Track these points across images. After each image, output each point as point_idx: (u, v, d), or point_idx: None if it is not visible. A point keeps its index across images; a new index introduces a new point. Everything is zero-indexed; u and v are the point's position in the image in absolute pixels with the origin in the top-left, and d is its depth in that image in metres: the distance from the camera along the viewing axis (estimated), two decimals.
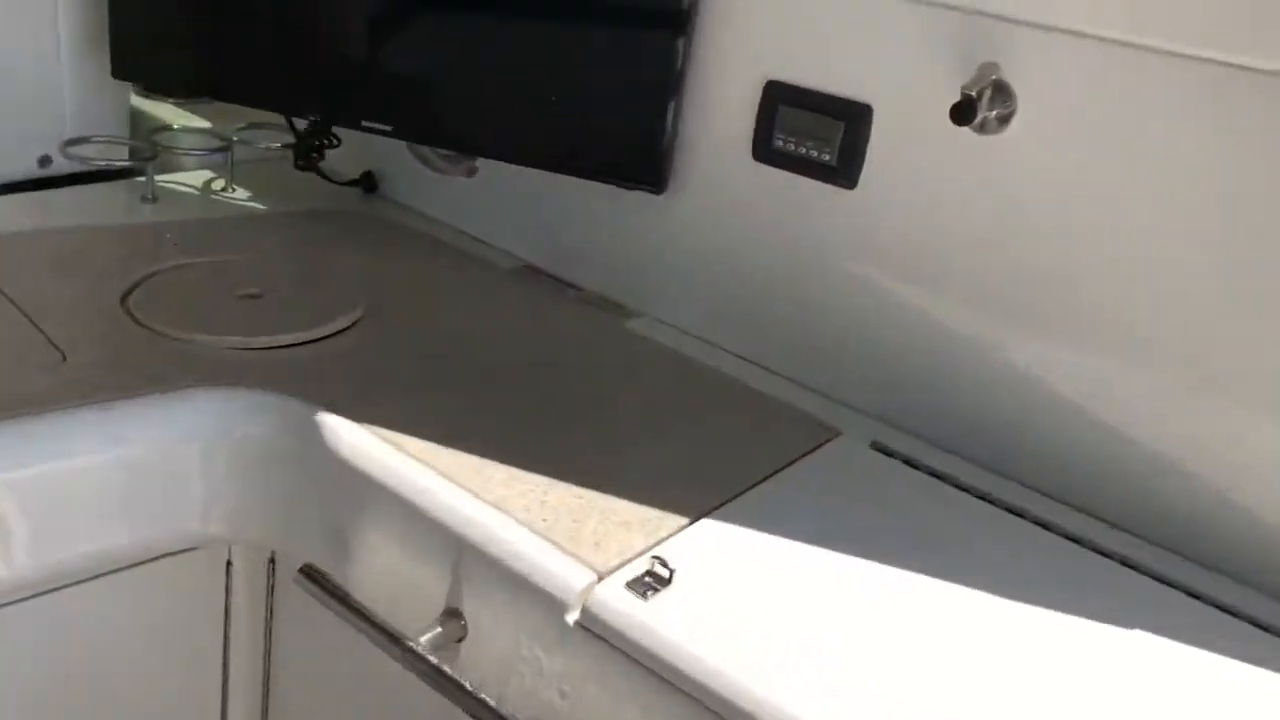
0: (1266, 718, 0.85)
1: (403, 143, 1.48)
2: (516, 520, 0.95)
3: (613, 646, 0.86)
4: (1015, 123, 1.06)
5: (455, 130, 1.37)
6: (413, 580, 0.99)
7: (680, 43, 1.24)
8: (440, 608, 0.97)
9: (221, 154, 1.56)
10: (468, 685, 0.91)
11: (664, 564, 0.90)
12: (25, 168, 1.48)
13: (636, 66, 1.27)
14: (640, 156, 1.30)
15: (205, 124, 1.66)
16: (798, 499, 1.04)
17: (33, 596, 1.05)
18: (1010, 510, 1.06)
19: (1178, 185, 0.99)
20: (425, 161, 1.50)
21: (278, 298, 1.25)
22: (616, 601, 0.88)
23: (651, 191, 1.31)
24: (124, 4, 1.39)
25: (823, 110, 1.18)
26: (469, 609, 0.96)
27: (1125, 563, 1.00)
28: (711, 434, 1.12)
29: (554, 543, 0.93)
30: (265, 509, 1.10)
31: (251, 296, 1.25)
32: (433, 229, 1.55)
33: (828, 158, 1.18)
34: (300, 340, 1.17)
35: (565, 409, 1.13)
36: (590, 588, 0.89)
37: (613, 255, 1.41)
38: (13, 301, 1.17)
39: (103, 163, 1.47)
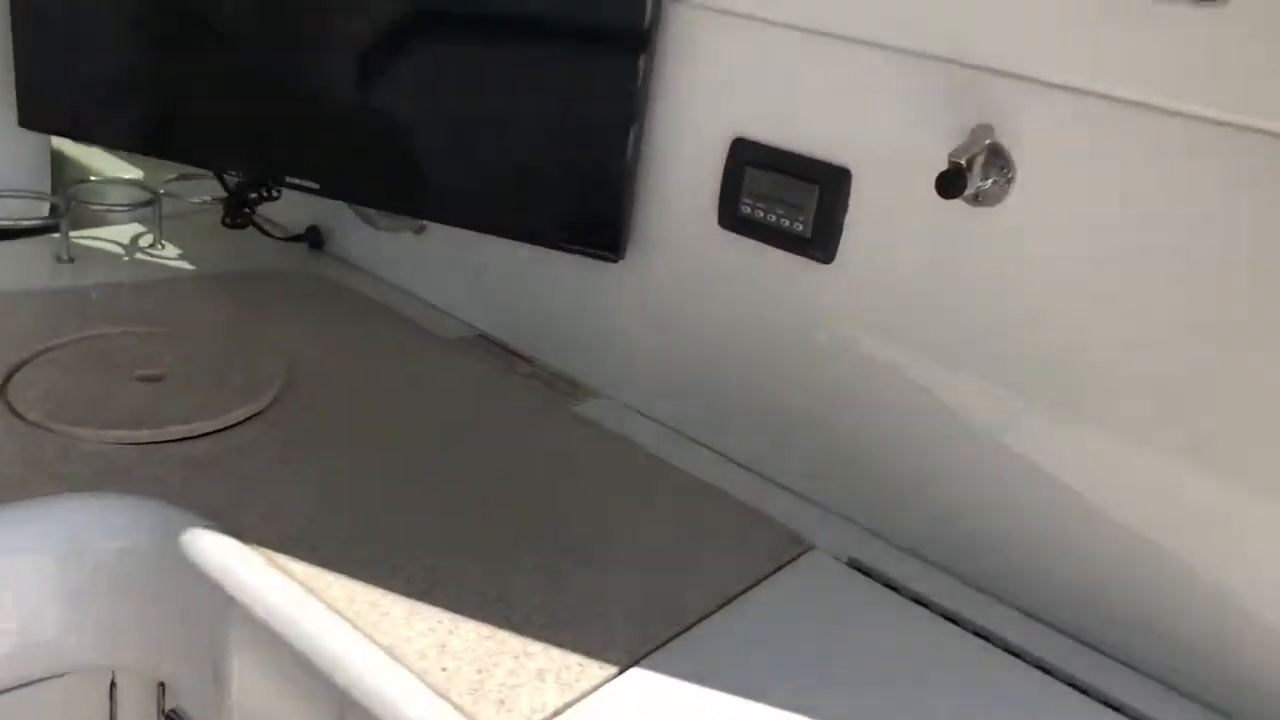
0: None
1: None
2: (410, 671, 0.79)
3: None
4: (1015, 192, 0.91)
5: (390, 189, 1.22)
6: None
7: (638, 93, 1.09)
8: None
9: (149, 207, 1.42)
10: None
11: None
12: None
13: (589, 119, 1.12)
14: (594, 221, 1.15)
15: (137, 173, 1.53)
16: (753, 638, 0.88)
17: None
18: (1012, 652, 0.90)
19: (1195, 258, 0.82)
20: (367, 219, 1.36)
21: (182, 379, 1.11)
22: None
23: (607, 259, 1.16)
24: (30, 48, 1.26)
25: (795, 173, 1.02)
26: None
27: None
28: (661, 548, 0.97)
29: (451, 702, 0.77)
30: (137, 634, 0.95)
31: (151, 379, 1.10)
32: (379, 291, 1.41)
33: (800, 228, 1.03)
34: (195, 433, 1.03)
35: (493, 517, 0.98)
36: None
37: (568, 326, 1.26)
38: None
39: (7, 221, 1.33)
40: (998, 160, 0.90)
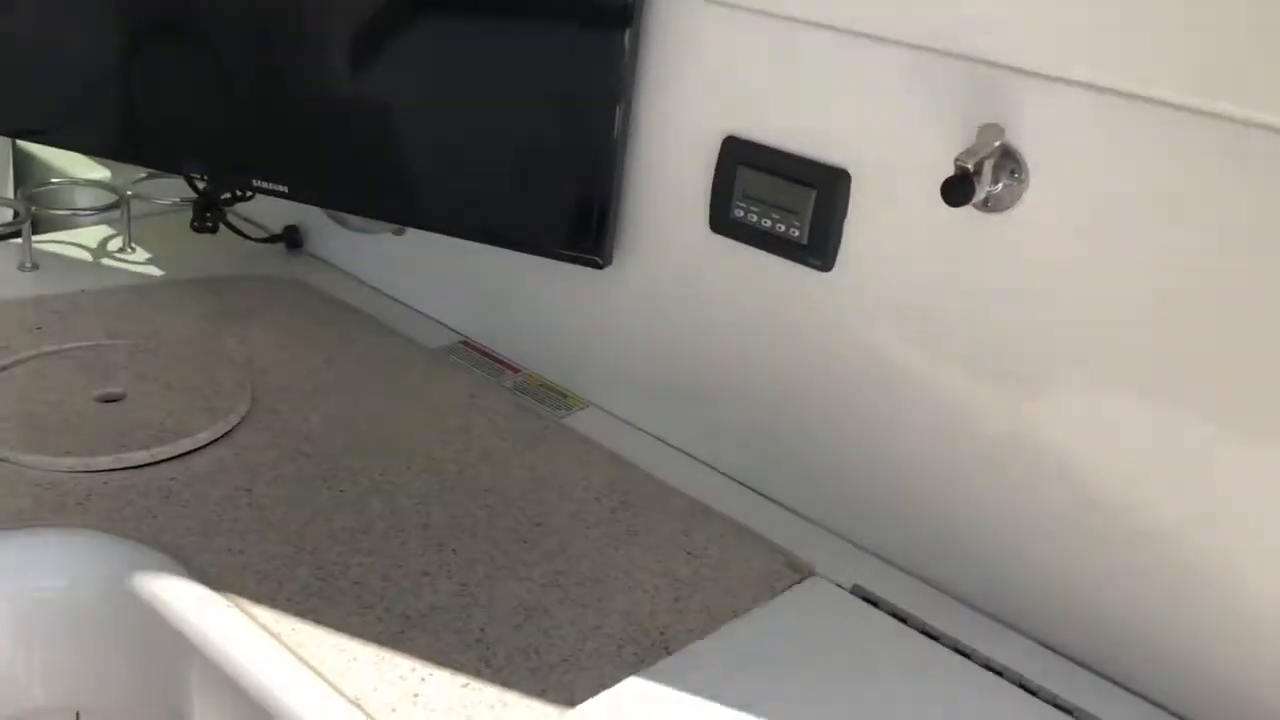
0: None
1: None
2: None
3: None
4: (1027, 196, 0.84)
5: (363, 194, 1.15)
6: None
7: (623, 73, 1.03)
8: None
9: (117, 210, 1.35)
10: None
11: None
12: None
13: (571, 110, 1.05)
14: (577, 226, 1.08)
15: (104, 173, 1.46)
16: (745, 666, 0.82)
17: None
18: (1030, 691, 0.84)
19: (1226, 263, 0.76)
20: (340, 221, 1.30)
21: (144, 399, 1.05)
22: None
23: (594, 266, 1.09)
24: None
25: (790, 175, 0.96)
26: None
27: None
28: (654, 577, 0.91)
29: None
30: (94, 675, 0.89)
31: (111, 399, 1.04)
32: (359, 296, 1.34)
33: (796, 233, 0.96)
34: (156, 459, 0.97)
35: (475, 547, 0.92)
36: None
37: (556, 333, 1.20)
38: None
39: None
40: (1009, 162, 0.83)
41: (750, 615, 0.88)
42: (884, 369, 0.94)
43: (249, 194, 1.35)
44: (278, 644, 0.79)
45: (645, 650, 0.83)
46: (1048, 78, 0.80)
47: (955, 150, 0.84)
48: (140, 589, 0.84)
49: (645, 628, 0.85)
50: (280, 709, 0.75)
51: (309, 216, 1.42)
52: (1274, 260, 0.74)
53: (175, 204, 1.39)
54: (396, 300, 1.35)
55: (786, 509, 1.03)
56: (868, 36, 0.89)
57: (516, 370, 1.23)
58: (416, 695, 0.76)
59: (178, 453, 0.98)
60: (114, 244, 1.38)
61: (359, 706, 0.75)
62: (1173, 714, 0.83)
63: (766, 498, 1.04)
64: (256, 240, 1.42)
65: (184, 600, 0.83)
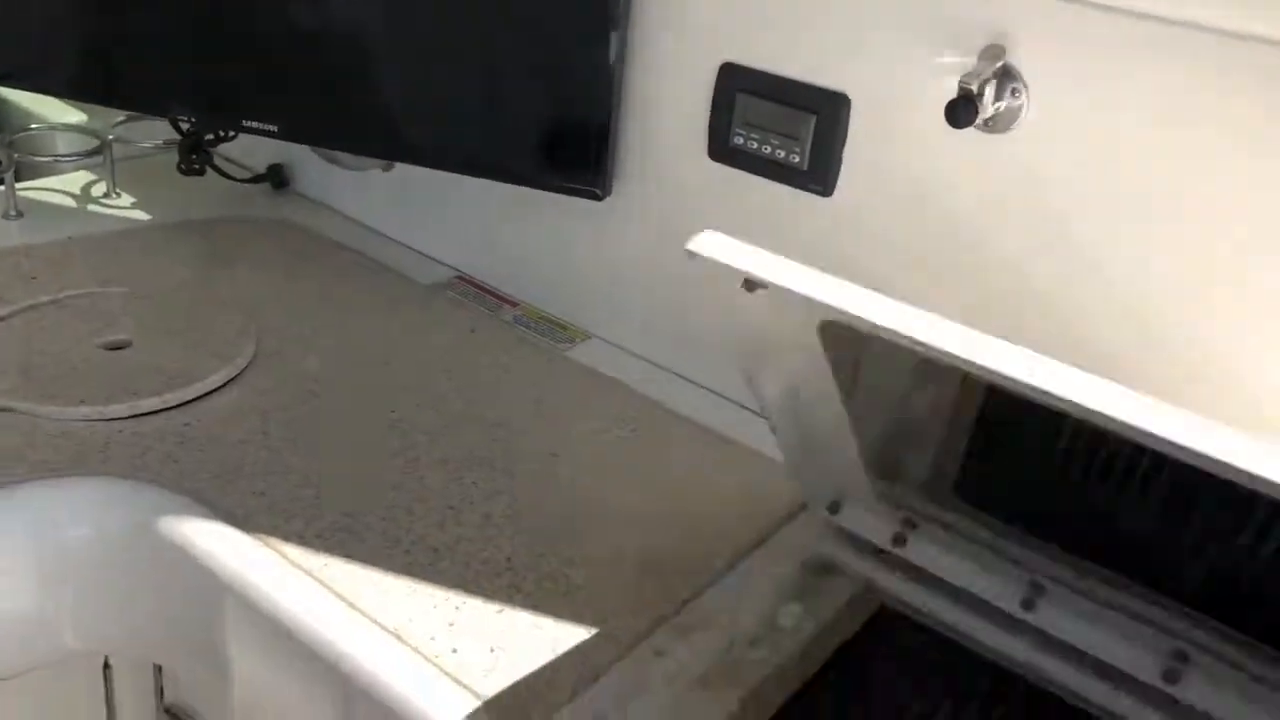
0: None
1: None
2: (420, 655, 0.76)
3: None
4: (1028, 116, 0.85)
5: (354, 131, 1.15)
6: (301, 716, 0.81)
7: (618, 15, 1.02)
8: None
9: (100, 154, 1.33)
10: None
11: None
12: None
13: (567, 45, 1.05)
14: (575, 157, 1.08)
15: (81, 117, 1.44)
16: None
17: None
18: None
19: (1227, 181, 0.78)
20: (329, 158, 1.29)
21: (149, 345, 1.05)
22: None
23: (591, 198, 1.10)
24: None
25: (789, 101, 0.97)
26: None
27: None
28: (671, 502, 0.93)
29: (464, 686, 0.74)
30: (126, 620, 0.91)
31: (117, 346, 1.04)
32: (349, 234, 1.34)
33: (797, 159, 0.97)
34: (170, 404, 0.98)
35: (490, 479, 0.94)
36: None
37: (555, 266, 1.20)
38: None
39: None
40: (1010, 82, 0.85)
41: (769, 540, 0.91)
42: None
43: (233, 134, 1.34)
44: (312, 580, 0.81)
45: (667, 575, 0.85)
46: None
47: (954, 72, 0.85)
48: (170, 533, 0.85)
49: (666, 552, 0.88)
50: (321, 643, 0.77)
51: (294, 155, 1.41)
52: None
53: (158, 146, 1.37)
54: (388, 237, 1.35)
55: None
56: None
57: (515, 304, 1.23)
58: (452, 624, 0.79)
59: (190, 398, 0.98)
60: (98, 189, 1.36)
61: (399, 637, 0.77)
62: None
63: None
64: (242, 181, 1.41)
65: (214, 542, 0.84)
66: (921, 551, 0.88)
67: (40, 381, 0.98)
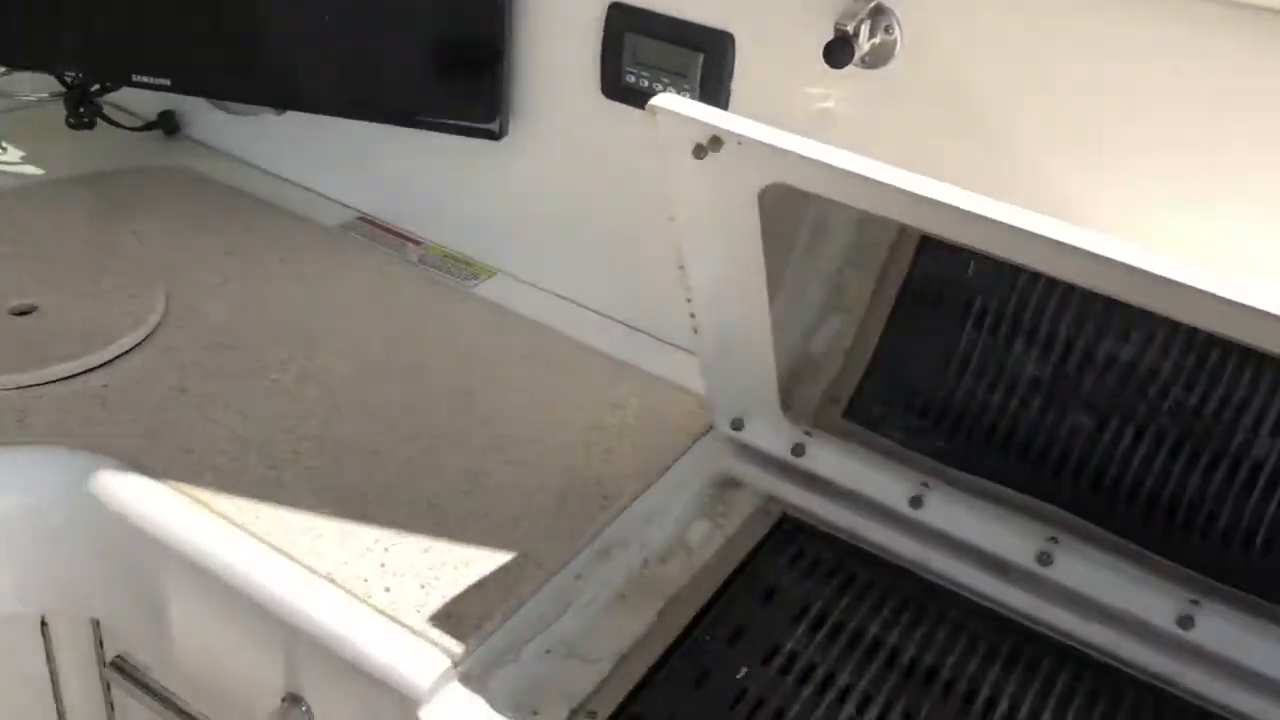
0: None
1: None
2: (355, 597, 0.81)
3: None
4: (903, 49, 0.90)
5: (246, 80, 1.15)
6: (243, 666, 0.85)
7: None
8: (280, 693, 0.84)
9: None
10: None
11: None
12: None
13: None
14: (471, 98, 1.11)
15: None
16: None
17: None
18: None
19: (1095, 104, 0.85)
20: (220, 105, 1.28)
21: (58, 307, 1.05)
22: (470, 697, 0.75)
23: (488, 138, 1.12)
24: None
25: (677, 39, 1.00)
26: (311, 695, 0.82)
27: None
28: (582, 431, 0.98)
29: (400, 622, 0.79)
30: (65, 583, 0.94)
31: (23, 312, 1.05)
32: (248, 180, 1.34)
33: (687, 93, 1.01)
34: (86, 368, 0.99)
35: (410, 421, 0.98)
36: (446, 677, 0.76)
37: (457, 204, 1.23)
38: None
39: None
40: (883, 19, 0.89)
41: (679, 461, 0.97)
42: None
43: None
44: (245, 533, 0.85)
45: (584, 501, 0.91)
46: None
47: (830, 10, 0.89)
48: (99, 495, 0.88)
49: (583, 480, 0.93)
50: (258, 593, 0.81)
51: (185, 100, 1.39)
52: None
53: (42, 99, 1.35)
54: (287, 180, 1.35)
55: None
56: None
57: (419, 243, 1.26)
58: (383, 565, 0.83)
59: (106, 359, 1.00)
60: None
61: (333, 581, 0.81)
62: None
63: (679, 348, 1.11)
64: (133, 130, 1.39)
65: (147, 502, 0.87)
66: (818, 461, 0.95)
67: None
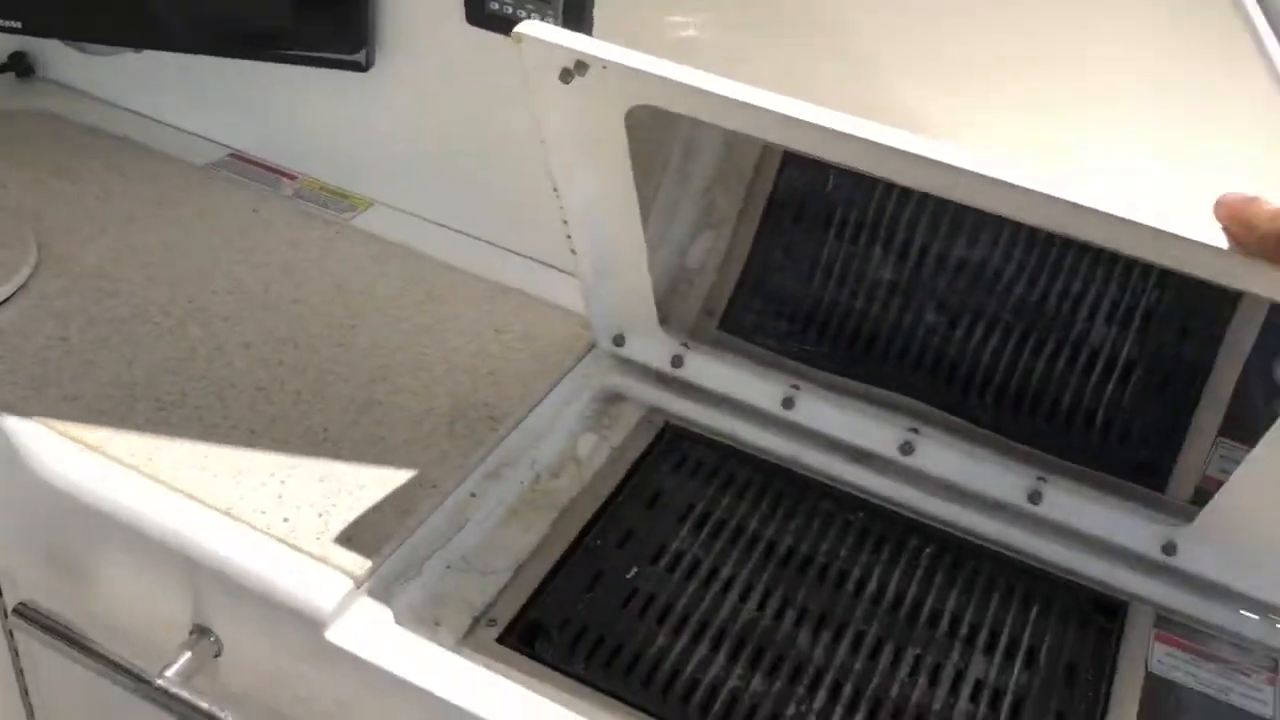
0: None
1: None
2: (255, 528, 0.83)
3: (375, 665, 0.78)
4: None
5: (100, 19, 1.12)
6: (150, 604, 0.87)
7: None
8: (188, 626, 0.86)
9: None
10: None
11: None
12: None
13: None
14: (334, 32, 1.10)
15: None
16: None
17: None
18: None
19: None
20: (75, 45, 1.25)
21: None
22: (373, 613, 0.79)
23: (355, 70, 1.12)
24: None
25: None
26: (219, 626, 0.85)
27: None
28: (467, 357, 1.01)
29: (301, 549, 0.82)
30: None
31: None
32: (110, 120, 1.31)
33: (551, 19, 1.03)
34: None
35: (295, 357, 0.99)
36: (349, 598, 0.80)
37: (328, 137, 1.23)
38: None
39: None
40: None
41: (562, 381, 1.01)
42: None
43: None
44: (140, 475, 0.86)
45: (474, 423, 0.94)
46: None
47: None
48: None
49: (471, 403, 0.96)
50: (158, 531, 0.83)
51: (37, 41, 1.35)
52: None
53: None
54: (151, 119, 1.33)
55: (565, 272, 1.14)
56: None
57: (293, 177, 1.26)
58: (280, 496, 0.86)
59: None
60: None
61: (231, 515, 0.84)
62: None
63: (559, 270, 1.14)
64: None
65: (39, 452, 0.87)
66: (696, 371, 1.00)
67: None
